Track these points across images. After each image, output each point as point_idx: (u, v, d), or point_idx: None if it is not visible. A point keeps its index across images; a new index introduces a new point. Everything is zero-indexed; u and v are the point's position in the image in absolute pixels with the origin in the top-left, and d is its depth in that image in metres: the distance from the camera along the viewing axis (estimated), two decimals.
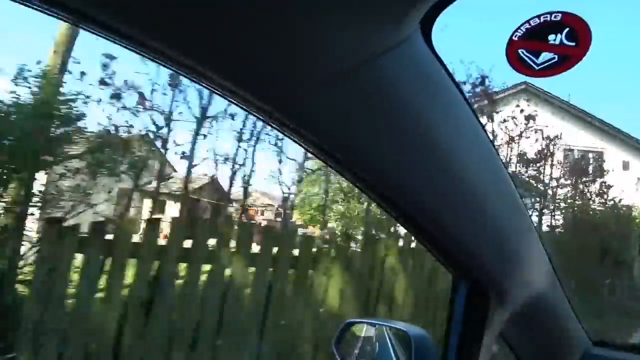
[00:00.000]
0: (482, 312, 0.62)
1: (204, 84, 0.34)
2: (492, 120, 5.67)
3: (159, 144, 4.49)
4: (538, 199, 6.21)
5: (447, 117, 0.45)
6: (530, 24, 1.44)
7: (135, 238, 2.63)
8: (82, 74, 3.77)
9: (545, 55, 1.91)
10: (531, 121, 5.76)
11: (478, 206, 0.52)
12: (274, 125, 0.38)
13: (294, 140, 0.40)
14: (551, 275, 0.75)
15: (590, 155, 12.61)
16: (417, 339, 0.66)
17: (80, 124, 3.65)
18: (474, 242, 0.54)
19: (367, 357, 0.81)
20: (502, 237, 0.58)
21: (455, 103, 0.45)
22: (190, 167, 4.63)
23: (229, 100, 0.34)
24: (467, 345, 0.63)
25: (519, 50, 1.67)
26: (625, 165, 12.65)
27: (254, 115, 0.36)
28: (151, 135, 4.47)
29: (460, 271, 0.62)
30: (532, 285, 0.69)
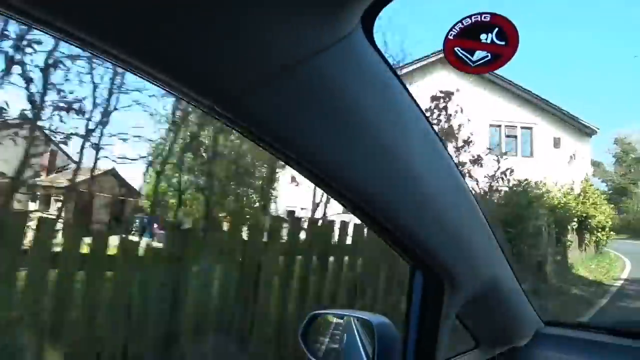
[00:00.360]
0: (438, 298, 0.65)
1: (144, 77, 0.33)
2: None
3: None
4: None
5: (391, 111, 0.46)
6: (462, 24, 1.54)
7: None
8: None
9: (479, 54, 2.08)
10: (450, 96, 5.08)
11: (426, 197, 0.54)
12: (218, 119, 0.38)
13: (242, 135, 0.40)
14: (502, 260, 0.79)
15: (520, 131, 11.93)
16: (380, 327, 0.69)
17: None
18: (424, 233, 0.56)
19: (335, 347, 0.82)
20: (452, 227, 0.60)
21: (399, 97, 0.46)
22: (81, 158, 3.73)
23: (170, 93, 0.34)
24: (426, 330, 0.66)
25: (455, 48, 1.79)
26: (556, 142, 12.03)
27: (198, 109, 0.37)
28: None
29: (415, 261, 0.64)
30: (483, 271, 0.72)
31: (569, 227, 9.15)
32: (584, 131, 12.37)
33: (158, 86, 0.34)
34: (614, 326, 0.97)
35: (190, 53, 0.31)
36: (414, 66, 8.17)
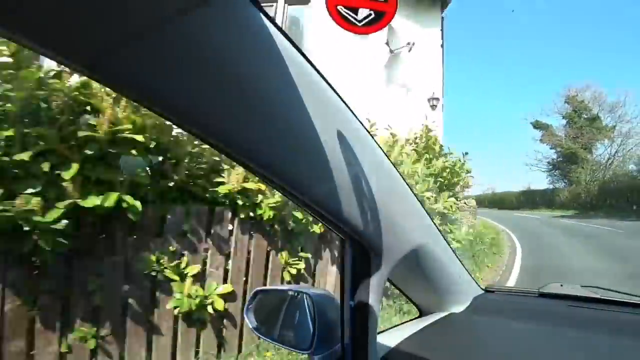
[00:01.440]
0: (366, 268, 0.67)
1: (17, 42, 0.31)
2: None
3: None
4: None
5: (285, 76, 0.42)
6: None
7: None
8: None
9: (362, 12, 2.23)
10: None
11: (337, 168, 0.51)
12: (98, 80, 0.36)
13: (125, 96, 0.38)
14: (429, 228, 0.81)
15: None
16: (319, 300, 0.72)
17: None
18: (342, 205, 0.55)
19: (281, 322, 0.83)
20: (370, 197, 0.60)
21: (286, 56, 0.42)
22: None
23: (45, 55, 0.32)
24: (358, 297, 0.68)
25: (338, 7, 1.89)
26: None
27: (74, 70, 0.34)
28: None
29: (342, 234, 0.65)
30: (409, 239, 0.74)
31: None
32: None
33: (30, 48, 0.31)
34: (548, 292, 1.03)
35: (58, 11, 0.29)
36: None
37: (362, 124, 0.58)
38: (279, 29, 0.41)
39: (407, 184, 0.72)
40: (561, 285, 1.06)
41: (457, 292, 0.96)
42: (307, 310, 0.75)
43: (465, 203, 11.00)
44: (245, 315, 0.88)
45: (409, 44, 6.47)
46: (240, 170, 2.29)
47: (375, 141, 0.62)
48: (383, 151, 0.65)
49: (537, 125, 31.69)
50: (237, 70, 0.38)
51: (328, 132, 0.49)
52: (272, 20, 0.40)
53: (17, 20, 0.29)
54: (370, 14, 2.20)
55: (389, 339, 0.81)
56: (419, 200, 0.77)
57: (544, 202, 30.43)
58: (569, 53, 59.78)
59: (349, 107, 0.54)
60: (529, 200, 33.13)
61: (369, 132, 0.59)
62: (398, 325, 0.93)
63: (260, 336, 0.86)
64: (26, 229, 1.78)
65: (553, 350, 0.76)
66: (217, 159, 2.39)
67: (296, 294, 0.81)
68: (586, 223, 14.90)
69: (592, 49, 57.92)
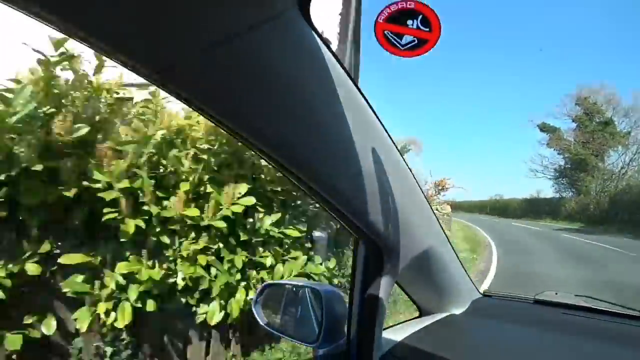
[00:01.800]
0: (378, 267, 0.69)
1: (91, 47, 0.34)
2: None
3: None
4: None
5: (326, 89, 0.47)
6: (390, 9, 1.69)
7: None
8: None
9: (406, 38, 2.30)
10: None
11: (362, 171, 0.55)
12: (164, 90, 0.40)
13: (188, 105, 0.41)
14: (438, 231, 0.82)
15: None
16: (327, 296, 0.74)
17: None
18: (362, 206, 0.58)
19: (288, 316, 0.86)
20: (388, 199, 0.62)
21: (334, 75, 0.47)
22: None
23: (116, 61, 0.35)
24: (368, 296, 0.69)
25: (385, 32, 1.96)
26: None
27: (144, 77, 0.38)
28: None
29: (358, 233, 0.67)
30: (420, 241, 0.76)
31: None
32: None
33: (102, 52, 0.35)
34: (543, 299, 1.06)
35: (132, 23, 0.32)
36: None
37: (388, 133, 0.62)
38: (329, 48, 0.46)
39: (420, 188, 0.74)
40: (556, 294, 1.10)
41: (457, 294, 0.99)
42: (315, 304, 0.78)
43: (438, 209, 9.83)
44: (253, 309, 0.89)
45: None
46: None
47: (396, 147, 0.65)
48: (402, 157, 0.68)
49: (543, 127, 29.45)
50: (289, 81, 0.42)
51: (357, 138, 0.53)
52: (322, 38, 0.44)
53: (94, 23, 0.31)
54: (413, 40, 2.11)
55: (391, 336, 0.82)
56: (429, 202, 0.78)
57: (548, 212, 28.52)
58: (582, 50, 57.86)
59: (377, 116, 0.58)
60: (533, 209, 31.34)
61: (392, 140, 0.63)
62: (399, 323, 0.95)
63: (267, 329, 0.87)
64: None
65: (545, 355, 0.77)
66: None
67: (304, 288, 0.83)
68: (592, 240, 12.81)
69: (607, 46, 56.08)
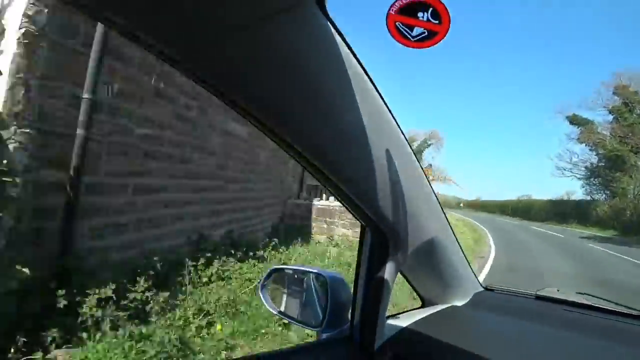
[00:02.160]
0: (384, 255, 0.69)
1: (109, 25, 0.35)
2: None
3: None
4: None
5: (342, 79, 0.48)
6: (402, 1, 1.70)
7: None
8: None
9: (417, 29, 2.34)
10: None
11: (374, 160, 0.56)
12: (183, 73, 0.41)
13: (206, 89, 0.42)
14: (443, 222, 0.83)
15: None
16: (333, 282, 0.75)
17: None
18: (372, 193, 0.59)
19: (293, 300, 0.86)
20: (397, 188, 0.63)
21: (350, 67, 0.48)
22: None
23: (137, 43, 0.36)
24: (373, 283, 0.70)
25: (396, 23, 1.98)
26: None
27: (164, 61, 0.39)
28: None
29: (365, 221, 0.68)
30: (426, 232, 0.77)
31: None
32: None
33: (130, 39, 0.36)
34: (545, 295, 1.07)
35: (156, 4, 0.32)
36: None
37: (399, 126, 0.64)
38: (344, 39, 0.47)
39: (428, 180, 0.76)
40: (557, 290, 1.12)
41: (460, 286, 0.99)
42: (320, 290, 0.81)
43: None
44: (260, 292, 0.92)
45: None
46: None
47: (406, 139, 0.67)
48: (411, 148, 0.69)
49: (574, 120, 26.03)
50: (304, 71, 0.43)
51: (369, 129, 0.54)
52: (338, 31, 0.45)
53: (111, 4, 0.32)
54: (424, 32, 2.04)
55: (394, 323, 0.83)
56: (434, 193, 0.80)
57: (576, 215, 25.78)
58: (620, 34, 53.02)
59: (389, 109, 0.60)
60: (559, 211, 28.58)
61: (402, 133, 0.65)
62: (402, 312, 0.95)
63: (273, 312, 0.89)
64: None
65: (545, 349, 0.78)
66: None
67: (310, 274, 0.85)
68: (624, 253, 10.51)
69: None
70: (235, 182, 5.84)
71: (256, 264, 4.49)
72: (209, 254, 3.99)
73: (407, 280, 0.93)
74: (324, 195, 9.03)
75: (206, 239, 4.78)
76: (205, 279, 3.69)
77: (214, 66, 0.39)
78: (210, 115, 4.82)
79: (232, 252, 4.42)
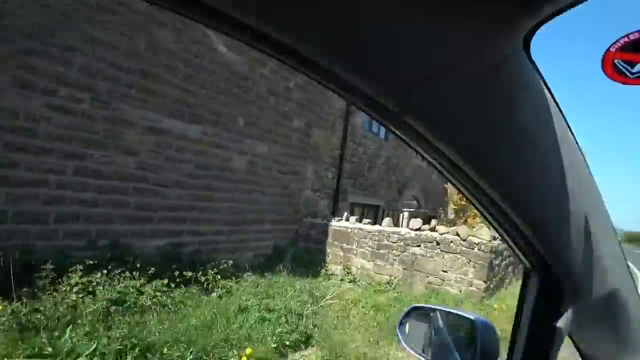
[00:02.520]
0: (554, 307, 0.61)
1: (325, 85, 0.37)
2: None
3: None
4: None
5: (540, 124, 0.47)
6: (629, 38, 1.20)
7: None
8: None
9: (638, 66, 1.71)
10: None
11: (559, 197, 0.52)
12: (383, 123, 0.42)
13: (402, 139, 0.44)
14: (626, 274, 0.72)
15: None
16: (483, 328, 0.70)
17: None
18: (553, 229, 0.54)
19: (430, 342, 0.82)
20: (581, 225, 0.56)
21: (551, 114, 0.48)
22: None
23: (340, 96, 0.38)
24: (535, 341, 0.62)
25: (615, 60, 1.50)
26: None
27: (368, 114, 0.41)
28: None
29: (531, 262, 0.60)
30: (607, 284, 0.67)
31: None
32: None
33: (341, 95, 0.38)
34: None
35: (372, 55, 0.34)
36: None
37: (587, 165, 0.60)
38: (547, 85, 0.47)
39: (611, 223, 0.68)
40: None
41: (634, 351, 0.83)
42: (464, 334, 0.75)
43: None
44: (397, 330, 0.91)
45: None
46: None
47: (589, 173, 0.62)
48: (595, 185, 0.64)
49: None
50: (510, 119, 0.44)
51: (560, 169, 0.52)
52: (542, 77, 0.45)
53: (332, 53, 0.34)
54: None
55: None
56: (619, 241, 0.72)
57: None
58: None
59: (579, 148, 0.57)
60: None
61: (588, 168, 0.60)
62: None
63: (411, 351, 0.86)
64: None
65: None
66: None
67: (455, 316, 0.81)
68: None
69: None
70: (181, 187, 5.24)
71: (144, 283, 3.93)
72: (91, 262, 3.76)
73: (570, 338, 0.76)
74: (345, 214, 7.36)
75: (127, 246, 4.45)
76: (65, 288, 3.42)
77: (432, 118, 0.40)
78: (124, 110, 4.49)
79: (124, 267, 4.01)
